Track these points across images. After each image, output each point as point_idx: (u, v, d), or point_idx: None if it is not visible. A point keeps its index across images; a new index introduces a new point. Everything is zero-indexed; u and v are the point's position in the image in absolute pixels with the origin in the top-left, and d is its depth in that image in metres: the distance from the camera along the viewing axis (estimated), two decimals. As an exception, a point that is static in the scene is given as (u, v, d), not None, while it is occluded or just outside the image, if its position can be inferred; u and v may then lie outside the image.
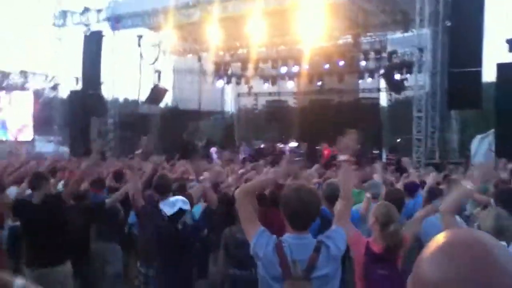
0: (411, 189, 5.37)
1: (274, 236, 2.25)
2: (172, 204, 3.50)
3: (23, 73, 23.74)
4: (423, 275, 0.74)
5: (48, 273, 3.94)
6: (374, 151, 17.41)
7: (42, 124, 22.76)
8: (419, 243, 3.33)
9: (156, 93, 20.63)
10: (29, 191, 5.08)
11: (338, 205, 2.51)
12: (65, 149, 21.34)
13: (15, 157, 8.48)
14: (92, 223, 4.84)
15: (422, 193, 5.20)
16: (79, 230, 4.55)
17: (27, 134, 21.67)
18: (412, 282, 0.77)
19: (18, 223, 5.10)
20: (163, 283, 3.66)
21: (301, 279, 2.12)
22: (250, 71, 21.08)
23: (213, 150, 18.47)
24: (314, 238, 2.29)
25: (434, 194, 4.50)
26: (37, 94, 23.60)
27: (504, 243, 2.22)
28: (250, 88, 22.78)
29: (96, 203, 4.84)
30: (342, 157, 2.53)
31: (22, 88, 23.57)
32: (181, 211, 3.48)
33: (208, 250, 5.65)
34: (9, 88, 23.71)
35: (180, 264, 3.57)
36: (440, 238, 0.77)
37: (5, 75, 24.45)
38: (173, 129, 20.14)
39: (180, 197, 3.63)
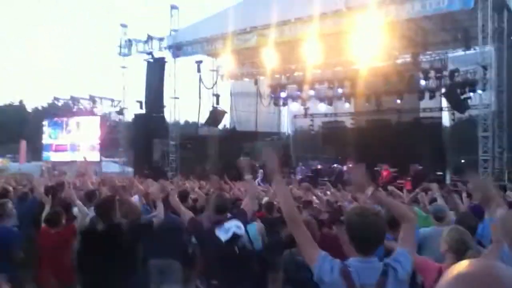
0: (478, 212, 5.14)
1: (338, 260, 2.22)
2: (226, 229, 3.59)
3: (92, 98, 25.22)
4: None
5: None
6: (437, 172, 16.71)
7: (108, 146, 23.99)
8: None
9: (215, 116, 21.21)
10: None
11: (402, 228, 2.45)
12: (129, 169, 22.36)
13: (85, 177, 9.07)
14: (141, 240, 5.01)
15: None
16: (130, 247, 4.73)
17: (95, 156, 22.89)
18: None
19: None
20: None
21: (370, 303, 2.07)
22: (306, 93, 21.20)
23: (260, 171, 18.57)
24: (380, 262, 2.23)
25: None
26: (104, 118, 24.95)
27: None
28: (306, 109, 22.83)
29: (147, 221, 4.94)
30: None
31: (91, 112, 25.02)
32: (236, 236, 3.56)
33: (267, 270, 5.70)
34: (79, 113, 25.28)
35: (239, 285, 3.63)
36: (459, 267, 0.79)
37: (76, 100, 26.12)
38: (231, 150, 20.54)
39: (234, 222, 3.68)
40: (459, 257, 2.85)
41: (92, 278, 4.05)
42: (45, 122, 26.48)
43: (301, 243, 2.33)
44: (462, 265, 0.79)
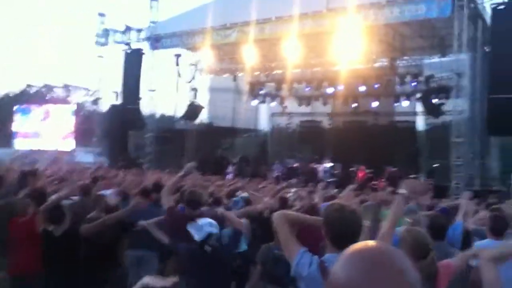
0: (446, 214, 5.28)
1: (316, 256, 2.27)
2: (200, 227, 3.57)
3: (66, 87, 24.74)
4: (334, 278, 0.85)
5: None
6: (410, 175, 17.05)
7: (82, 135, 23.58)
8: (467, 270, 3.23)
9: (192, 110, 21.09)
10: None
11: (383, 228, 2.51)
12: (103, 160, 22.04)
13: (57, 166, 8.91)
14: (123, 233, 4.98)
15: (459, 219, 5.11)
16: (110, 242, 4.73)
17: (68, 145, 22.46)
18: (326, 285, 0.88)
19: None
20: None
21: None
22: (284, 91, 21.30)
23: (230, 166, 18.67)
24: None
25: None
26: (79, 107, 24.48)
27: None
28: (284, 108, 22.96)
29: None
30: (402, 191, 2.52)
31: (65, 101, 24.55)
32: (209, 235, 3.55)
33: (248, 266, 5.75)
34: (52, 101, 24.75)
35: (210, 285, 3.63)
36: (351, 248, 0.88)
37: (49, 88, 25.57)
38: (208, 145, 20.48)
39: (207, 220, 3.67)
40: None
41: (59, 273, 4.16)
42: (16, 109, 25.80)
43: (282, 238, 2.39)
44: (355, 246, 0.88)
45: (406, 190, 2.53)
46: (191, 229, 3.57)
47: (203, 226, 3.56)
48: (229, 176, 16.47)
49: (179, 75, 20.51)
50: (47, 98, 25.54)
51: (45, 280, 4.28)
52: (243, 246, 5.49)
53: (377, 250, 0.84)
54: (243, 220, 5.45)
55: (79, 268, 4.31)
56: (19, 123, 25.04)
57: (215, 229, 3.60)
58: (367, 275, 0.79)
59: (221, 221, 4.38)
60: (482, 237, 4.23)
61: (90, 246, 4.37)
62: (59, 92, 25.15)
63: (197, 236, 3.53)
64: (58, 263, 4.22)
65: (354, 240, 2.31)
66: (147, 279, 1.70)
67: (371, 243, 0.89)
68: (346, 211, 2.30)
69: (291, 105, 22.70)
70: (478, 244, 3.51)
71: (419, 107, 18.95)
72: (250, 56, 17.58)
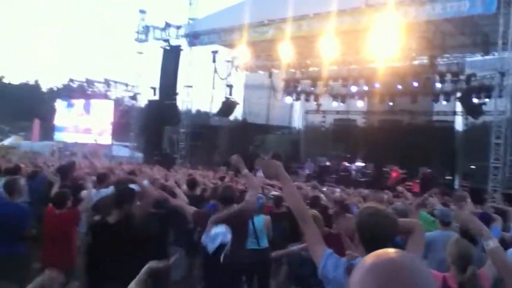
0: (485, 220, 5.11)
1: (344, 258, 2.23)
2: (213, 238, 3.59)
3: (106, 82, 25.36)
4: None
5: None
6: (446, 177, 16.60)
7: (120, 130, 24.18)
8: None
9: (227, 106, 21.25)
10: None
11: (412, 235, 2.36)
12: (139, 155, 22.55)
13: (96, 159, 9.19)
14: (171, 229, 5.02)
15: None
16: (159, 238, 4.68)
17: (106, 139, 23.09)
18: None
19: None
20: None
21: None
22: (319, 89, 21.13)
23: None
24: None
25: None
26: (118, 102, 25.11)
27: None
28: (318, 105, 22.76)
29: (173, 210, 4.98)
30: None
31: (105, 95, 25.18)
32: (222, 246, 3.57)
33: (270, 264, 5.74)
34: (93, 95, 25.48)
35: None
36: (370, 259, 0.86)
37: (90, 82, 26.30)
38: (241, 141, 20.59)
39: (221, 229, 3.67)
40: (460, 271, 2.91)
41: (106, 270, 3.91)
42: (58, 103, 26.75)
43: (308, 239, 2.34)
44: (370, 258, 0.86)
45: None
46: (206, 240, 3.60)
47: (216, 237, 3.58)
48: (259, 173, 16.46)
49: (215, 71, 20.71)
50: (88, 92, 26.27)
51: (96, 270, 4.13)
52: (263, 243, 5.48)
53: (394, 265, 0.83)
54: (265, 217, 5.45)
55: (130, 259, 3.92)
56: (60, 116, 25.97)
57: (227, 238, 3.60)
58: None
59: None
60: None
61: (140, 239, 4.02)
62: (99, 87, 25.79)
63: (210, 248, 3.56)
64: (110, 253, 3.84)
65: (387, 245, 2.23)
66: (152, 263, 1.74)
67: (392, 254, 0.87)
68: (380, 215, 2.22)
69: (326, 102, 22.48)
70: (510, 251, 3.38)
71: (459, 107, 18.38)
72: (286, 53, 17.54)
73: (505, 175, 12.96)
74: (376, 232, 2.17)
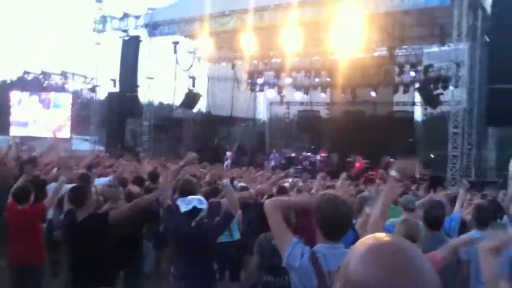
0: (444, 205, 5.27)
1: (308, 247, 2.24)
2: (188, 202, 3.61)
3: (64, 74, 24.50)
4: (350, 275, 0.81)
5: None
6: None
7: (79, 123, 23.48)
8: (457, 264, 3.27)
9: (190, 98, 21.01)
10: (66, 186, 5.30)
11: (372, 217, 2.45)
12: (100, 148, 21.97)
13: (54, 154, 8.86)
14: (146, 223, 4.94)
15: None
16: (133, 232, 4.67)
17: (65, 133, 22.38)
18: (340, 279, 0.84)
19: (54, 216, 5.28)
20: (183, 282, 3.71)
21: (335, 289, 2.11)
22: (283, 80, 21.21)
23: (228, 154, 18.73)
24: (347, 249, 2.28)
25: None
26: (76, 94, 24.34)
27: None
28: (282, 97, 22.88)
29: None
30: (393, 174, 2.48)
31: (62, 88, 24.35)
32: (195, 210, 3.57)
33: (243, 254, 5.76)
34: (50, 88, 24.56)
35: (198, 264, 3.63)
36: (369, 242, 0.84)
37: (47, 75, 25.33)
38: (205, 134, 20.44)
39: (196, 197, 3.74)
40: None
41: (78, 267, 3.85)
42: (13, 95, 25.61)
43: (274, 227, 2.34)
44: (371, 240, 0.84)
45: (397, 172, 2.49)
46: (180, 203, 3.59)
47: (191, 201, 3.60)
48: (227, 164, 16.50)
49: (177, 62, 20.39)
50: (44, 85, 25.28)
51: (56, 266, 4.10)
52: (236, 235, 5.52)
53: (396, 247, 0.81)
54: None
55: (101, 255, 3.81)
56: (16, 110, 24.90)
57: (202, 205, 3.61)
58: (386, 274, 0.77)
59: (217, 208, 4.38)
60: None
61: (111, 235, 3.94)
62: (56, 79, 24.86)
63: (182, 208, 3.54)
64: (79, 249, 3.79)
65: (345, 231, 2.31)
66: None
67: (387, 238, 0.86)
68: (338, 201, 2.26)
69: (290, 94, 22.62)
70: (468, 235, 3.52)
71: (418, 97, 18.91)
72: (248, 44, 17.45)
73: (463, 163, 13.47)
74: (333, 218, 2.21)
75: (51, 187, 5.33)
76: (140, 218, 4.51)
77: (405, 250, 0.80)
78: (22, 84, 27.29)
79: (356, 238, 3.15)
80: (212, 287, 3.88)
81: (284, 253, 2.23)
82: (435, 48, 17.67)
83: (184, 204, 3.58)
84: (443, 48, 16.84)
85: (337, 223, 2.23)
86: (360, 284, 0.78)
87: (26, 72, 26.65)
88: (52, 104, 23.36)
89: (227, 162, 17.69)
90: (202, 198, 3.76)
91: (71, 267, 3.90)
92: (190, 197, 3.70)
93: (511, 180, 7.96)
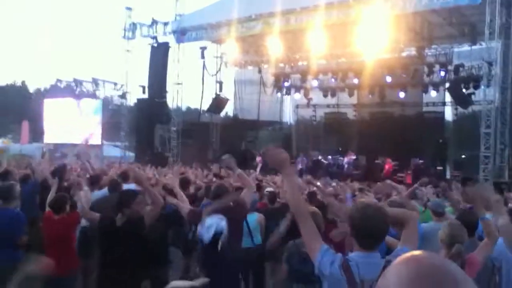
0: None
1: (340, 254, 2.24)
2: (208, 228, 3.53)
3: (94, 81, 25.11)
4: (382, 284, 0.78)
5: None
6: (438, 167, 16.74)
7: (110, 129, 23.99)
8: (492, 265, 3.24)
9: (218, 103, 21.20)
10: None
11: (405, 226, 2.37)
12: (131, 154, 22.42)
13: (85, 160, 9.11)
14: (170, 229, 5.00)
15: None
16: (159, 239, 4.70)
17: (96, 139, 22.90)
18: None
19: (88, 223, 5.39)
20: None
21: (369, 298, 2.07)
22: (309, 83, 21.14)
23: (258, 159, 18.74)
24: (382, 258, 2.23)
25: None
26: (107, 101, 24.88)
27: None
28: (309, 99, 22.78)
29: (173, 210, 4.89)
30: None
31: (93, 95, 24.94)
32: (217, 234, 3.52)
33: (264, 261, 5.72)
34: (82, 95, 25.23)
35: (222, 282, 3.57)
36: (410, 263, 0.79)
37: (78, 82, 26.03)
38: (233, 138, 20.57)
39: (215, 219, 3.62)
40: (450, 249, 3.02)
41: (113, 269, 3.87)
42: (47, 103, 26.44)
43: (305, 235, 2.33)
44: (413, 260, 0.80)
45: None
46: (201, 231, 3.57)
47: (211, 226, 3.54)
48: (258, 169, 16.55)
49: (204, 68, 20.62)
50: (76, 92, 25.98)
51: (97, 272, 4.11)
52: (257, 240, 5.50)
53: (440, 272, 0.77)
54: (258, 215, 5.45)
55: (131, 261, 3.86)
56: (49, 117, 25.67)
57: (223, 225, 3.56)
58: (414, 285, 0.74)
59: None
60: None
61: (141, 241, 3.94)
62: (88, 87, 25.51)
63: (205, 238, 3.52)
64: (117, 254, 3.80)
65: (380, 238, 2.28)
66: (175, 283, 1.67)
67: (438, 264, 0.80)
68: (370, 209, 2.24)
69: (317, 97, 22.50)
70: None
71: (448, 97, 18.51)
72: (275, 48, 17.51)
73: (495, 163, 13.12)
74: (368, 225, 2.20)
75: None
76: (161, 224, 4.54)
77: (448, 282, 0.75)
78: (55, 91, 28.15)
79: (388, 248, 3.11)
80: None
81: (315, 260, 2.22)
82: (465, 47, 17.26)
83: (206, 232, 3.52)
84: (474, 47, 16.45)
85: (370, 232, 2.22)
86: None
87: (58, 80, 27.45)
88: (84, 111, 23.98)
89: (258, 168, 17.67)
90: (220, 217, 3.63)
91: (103, 272, 3.93)
92: (208, 221, 3.58)
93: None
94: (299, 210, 2.36)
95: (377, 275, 2.08)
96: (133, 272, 3.79)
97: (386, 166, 16.67)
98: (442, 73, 17.41)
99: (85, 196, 4.99)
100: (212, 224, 3.55)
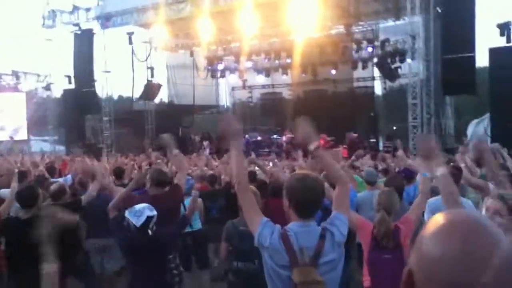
0: (409, 175, 5.40)
1: (278, 225, 2.25)
2: (139, 213, 3.38)
3: (15, 74, 23.51)
4: (426, 252, 0.80)
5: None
6: (371, 139, 17.50)
7: (36, 124, 22.67)
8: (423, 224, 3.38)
9: (150, 89, 20.61)
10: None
11: (335, 192, 2.42)
12: (61, 148, 21.30)
13: (12, 157, 8.50)
14: (83, 220, 4.76)
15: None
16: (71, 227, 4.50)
17: (22, 134, 21.58)
18: (415, 259, 0.82)
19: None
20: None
21: (308, 265, 2.12)
22: (243, 64, 21.06)
23: (206, 144, 18.65)
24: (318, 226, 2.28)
25: None
26: (30, 94, 23.43)
27: None
28: (244, 81, 22.74)
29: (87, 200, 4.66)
30: (311, 147, 2.42)
31: (15, 88, 23.39)
32: (148, 219, 3.37)
33: (206, 242, 5.72)
34: (2, 89, 23.54)
35: (154, 269, 3.49)
36: (439, 218, 0.84)
37: (-3, 75, 24.25)
38: (168, 124, 20.14)
39: (145, 204, 3.48)
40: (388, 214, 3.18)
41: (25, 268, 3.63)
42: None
43: (245, 208, 2.35)
44: (442, 216, 0.85)
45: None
46: (130, 215, 3.39)
47: (142, 211, 3.38)
48: (207, 152, 16.51)
49: (133, 54, 19.87)
50: (-5, 86, 24.19)
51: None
52: (196, 225, 5.47)
53: (475, 225, 0.81)
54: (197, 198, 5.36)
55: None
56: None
57: (153, 212, 3.42)
58: (461, 246, 0.77)
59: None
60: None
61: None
62: (8, 80, 23.82)
63: (136, 222, 3.34)
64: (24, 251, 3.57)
65: (316, 208, 2.31)
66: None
67: (464, 213, 0.87)
68: (308, 180, 2.26)
69: (251, 78, 22.51)
70: (430, 201, 3.60)
71: (377, 72, 19.24)
72: (205, 30, 17.18)
73: (423, 132, 13.84)
74: (304, 196, 2.23)
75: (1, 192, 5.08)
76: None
77: (475, 224, 0.81)
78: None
79: (323, 216, 3.14)
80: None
81: (255, 233, 2.24)
82: (390, 23, 17.93)
83: (136, 217, 3.35)
84: (398, 22, 17.12)
85: (308, 201, 2.25)
86: (436, 261, 0.78)
87: (-25, 74, 25.37)
88: (6, 105, 22.41)
89: (206, 152, 17.48)
90: (149, 205, 3.48)
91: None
92: (138, 206, 3.44)
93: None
94: (241, 182, 2.38)
95: (314, 243, 2.19)
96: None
97: (322, 142, 17.09)
98: (370, 49, 18.03)
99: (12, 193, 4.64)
100: (144, 209, 3.40)
